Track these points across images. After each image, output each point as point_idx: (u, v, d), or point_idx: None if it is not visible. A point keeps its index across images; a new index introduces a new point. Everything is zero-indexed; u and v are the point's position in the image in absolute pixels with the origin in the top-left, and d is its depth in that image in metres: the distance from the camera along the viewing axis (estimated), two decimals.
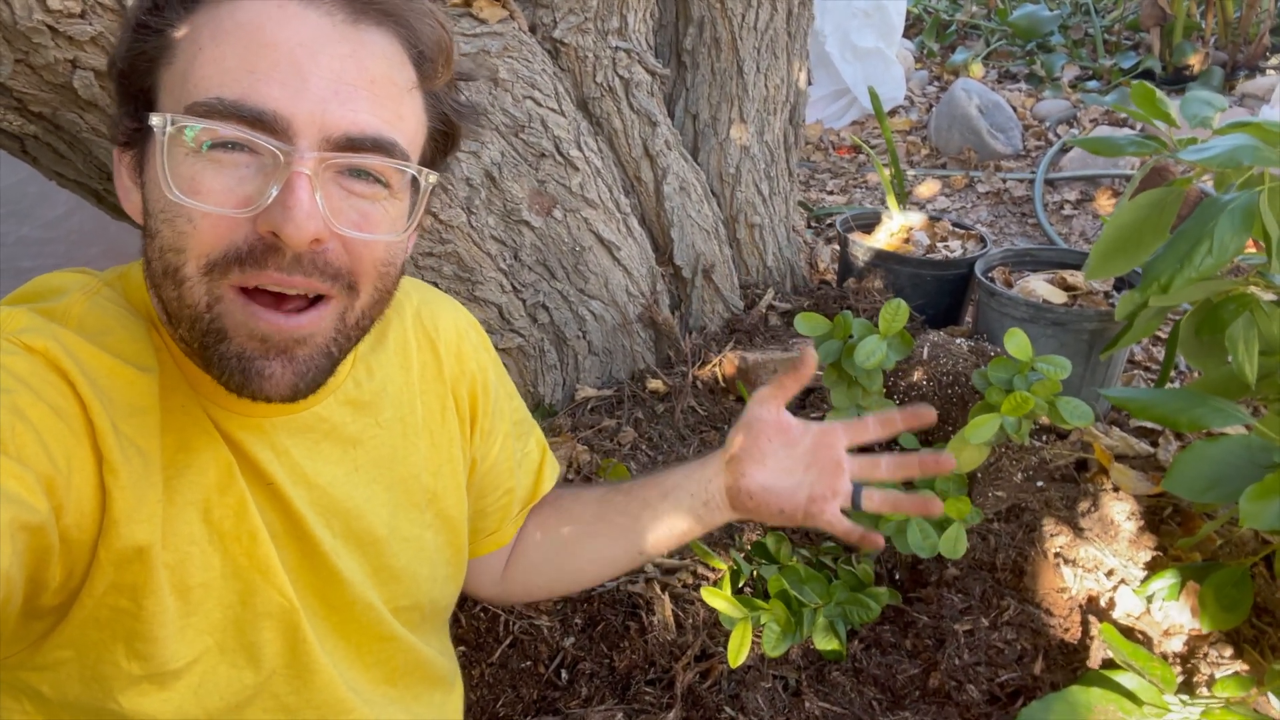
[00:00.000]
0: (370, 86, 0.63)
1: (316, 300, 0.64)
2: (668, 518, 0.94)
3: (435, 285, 1.58)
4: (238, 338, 0.62)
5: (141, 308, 0.70)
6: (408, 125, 0.68)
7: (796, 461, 0.89)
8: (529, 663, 1.40)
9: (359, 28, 0.63)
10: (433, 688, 0.93)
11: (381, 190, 0.66)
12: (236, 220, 0.60)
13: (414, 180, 0.69)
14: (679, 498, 0.94)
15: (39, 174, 1.36)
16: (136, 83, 0.65)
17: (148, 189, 0.64)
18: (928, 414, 0.87)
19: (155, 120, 0.60)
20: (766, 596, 1.29)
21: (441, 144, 0.75)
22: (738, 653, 1.10)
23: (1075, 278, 1.98)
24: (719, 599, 1.19)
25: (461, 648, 1.42)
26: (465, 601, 1.46)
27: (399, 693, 0.87)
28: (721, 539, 1.62)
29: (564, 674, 1.40)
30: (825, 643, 1.28)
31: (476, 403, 0.93)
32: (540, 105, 1.66)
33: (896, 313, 1.20)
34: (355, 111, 0.62)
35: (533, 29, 1.73)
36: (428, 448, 0.88)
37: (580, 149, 1.71)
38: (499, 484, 0.97)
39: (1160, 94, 1.39)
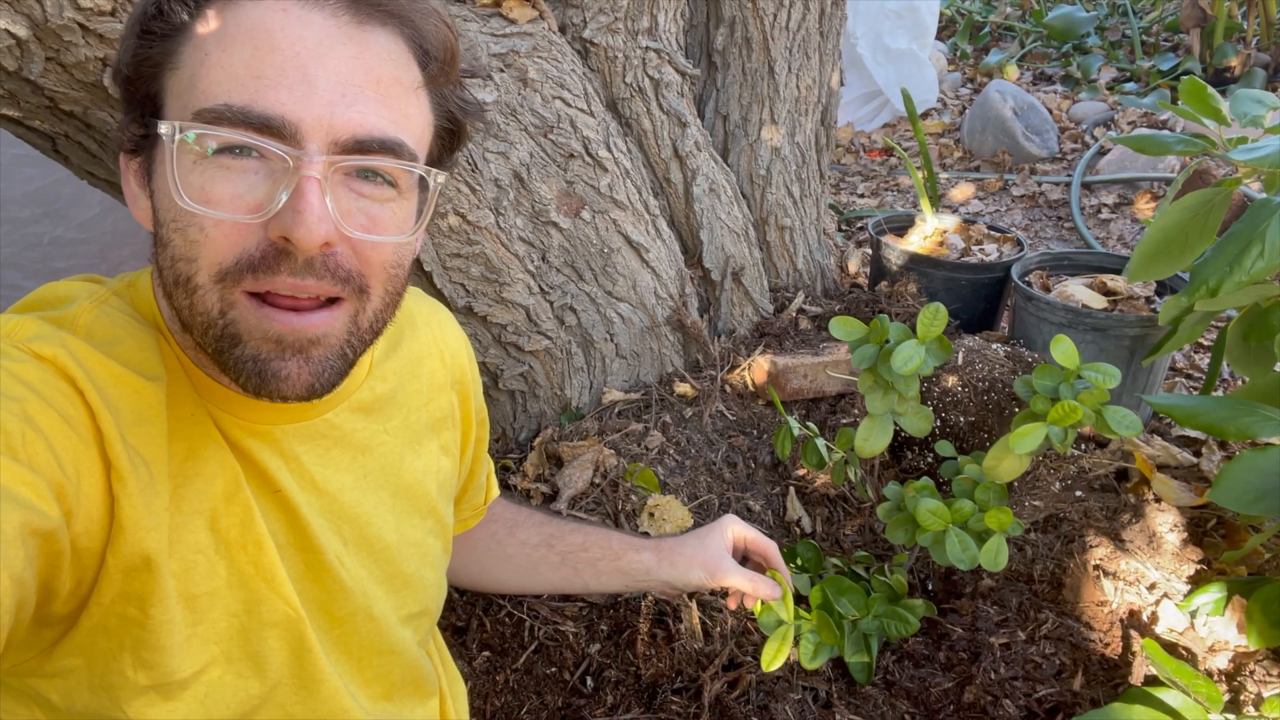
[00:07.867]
0: (376, 87, 0.63)
1: (329, 302, 0.65)
2: (609, 582, 1.11)
3: (462, 286, 1.57)
4: (252, 341, 0.62)
5: (149, 317, 0.70)
6: (414, 124, 0.68)
7: None
8: (554, 669, 1.38)
9: (364, 29, 0.63)
10: (426, 698, 0.94)
11: (389, 191, 0.66)
12: (248, 226, 0.60)
13: (422, 180, 0.69)
14: (631, 574, 1.09)
15: (73, 175, 1.36)
16: (142, 89, 0.65)
17: (157, 197, 0.64)
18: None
19: (164, 129, 0.60)
20: (798, 600, 1.26)
21: (448, 141, 0.75)
22: (773, 659, 1.07)
23: (1115, 282, 1.93)
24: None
25: (486, 653, 1.40)
26: (491, 606, 1.44)
27: (395, 707, 0.87)
28: None
29: (589, 681, 1.38)
30: (855, 656, 1.25)
31: (470, 411, 0.98)
32: (569, 106, 1.64)
33: (935, 317, 1.16)
34: (362, 114, 0.62)
35: (562, 29, 1.72)
36: (430, 455, 0.90)
37: (609, 150, 1.70)
38: (475, 479, 1.07)
39: (1211, 90, 1.34)
